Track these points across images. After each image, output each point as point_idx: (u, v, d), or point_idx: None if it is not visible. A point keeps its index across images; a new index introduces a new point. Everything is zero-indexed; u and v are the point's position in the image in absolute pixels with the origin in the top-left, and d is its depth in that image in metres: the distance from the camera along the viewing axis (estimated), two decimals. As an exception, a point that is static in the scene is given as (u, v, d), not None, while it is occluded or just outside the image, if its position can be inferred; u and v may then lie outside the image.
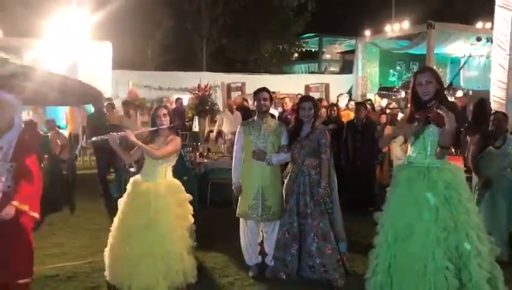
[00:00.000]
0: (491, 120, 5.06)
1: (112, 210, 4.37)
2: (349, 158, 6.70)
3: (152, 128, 4.01)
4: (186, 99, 11.91)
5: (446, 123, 3.03)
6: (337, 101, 10.41)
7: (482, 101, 5.38)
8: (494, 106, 6.40)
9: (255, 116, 4.41)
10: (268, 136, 4.24)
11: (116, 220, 4.01)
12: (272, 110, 7.30)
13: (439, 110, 3.07)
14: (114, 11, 15.21)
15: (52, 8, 13.31)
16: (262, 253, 4.47)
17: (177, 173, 4.32)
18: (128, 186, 4.09)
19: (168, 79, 15.18)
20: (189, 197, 4.17)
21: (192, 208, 4.21)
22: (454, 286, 3.01)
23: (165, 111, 4.04)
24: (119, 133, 3.88)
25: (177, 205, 3.99)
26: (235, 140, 4.46)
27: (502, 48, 6.44)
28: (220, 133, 8.69)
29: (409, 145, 3.40)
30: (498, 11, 6.54)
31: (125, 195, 4.07)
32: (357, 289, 3.64)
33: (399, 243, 3.23)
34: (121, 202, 4.05)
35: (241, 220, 4.38)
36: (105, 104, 8.63)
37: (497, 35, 6.61)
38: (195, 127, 10.38)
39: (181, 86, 14.63)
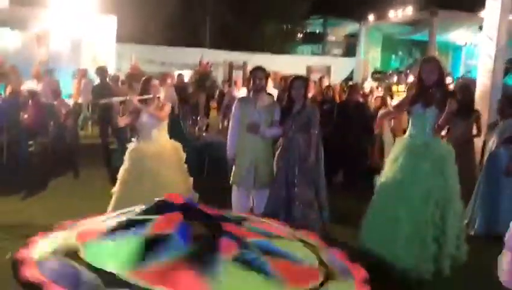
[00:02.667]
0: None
1: (114, 177, 4.79)
2: (340, 135, 6.95)
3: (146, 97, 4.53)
4: (187, 75, 12.12)
5: (447, 107, 3.55)
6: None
7: (464, 87, 5.69)
8: (478, 94, 6.70)
9: (251, 93, 4.74)
10: (262, 112, 4.56)
11: (119, 185, 4.50)
12: (272, 90, 7.61)
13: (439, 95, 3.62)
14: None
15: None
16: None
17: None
18: (129, 154, 4.55)
19: (170, 54, 15.33)
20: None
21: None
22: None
23: (157, 82, 4.71)
24: (125, 97, 4.54)
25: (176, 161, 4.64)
26: (232, 114, 4.79)
27: (490, 38, 6.68)
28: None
29: (410, 123, 3.88)
30: (488, 3, 6.74)
31: (126, 162, 4.55)
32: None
33: (390, 199, 3.81)
34: (123, 170, 4.55)
35: (234, 187, 4.71)
36: (111, 76, 8.95)
37: (487, 26, 6.84)
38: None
39: (183, 62, 14.80)
